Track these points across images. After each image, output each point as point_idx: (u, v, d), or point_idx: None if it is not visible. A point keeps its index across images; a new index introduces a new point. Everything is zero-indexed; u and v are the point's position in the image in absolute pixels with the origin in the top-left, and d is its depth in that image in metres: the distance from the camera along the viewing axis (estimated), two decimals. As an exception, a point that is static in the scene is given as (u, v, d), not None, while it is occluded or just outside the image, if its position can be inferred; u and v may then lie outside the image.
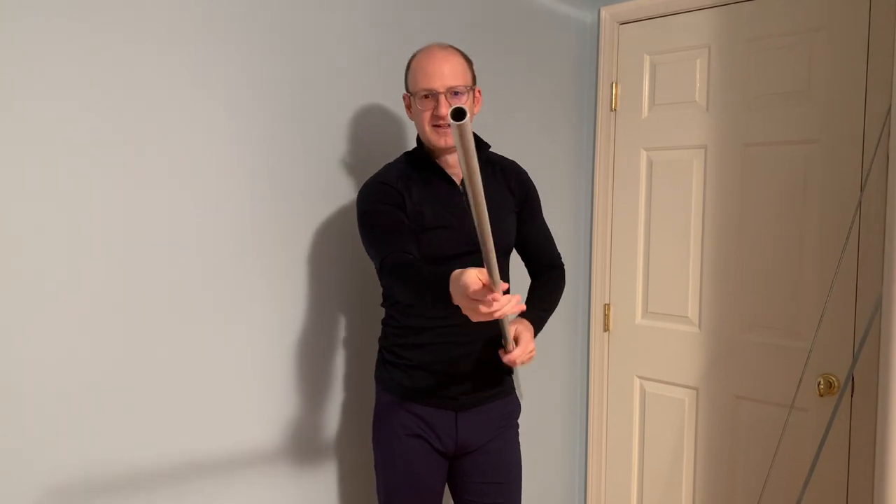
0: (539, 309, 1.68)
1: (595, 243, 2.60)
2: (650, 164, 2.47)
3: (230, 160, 1.63)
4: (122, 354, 1.46)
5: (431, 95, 1.54)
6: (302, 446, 1.81)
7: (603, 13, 2.53)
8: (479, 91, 1.64)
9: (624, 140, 2.53)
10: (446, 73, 1.53)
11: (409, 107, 1.64)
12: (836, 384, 2.03)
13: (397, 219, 1.53)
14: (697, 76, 2.33)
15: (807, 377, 2.06)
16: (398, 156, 1.71)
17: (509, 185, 1.70)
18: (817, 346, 2.04)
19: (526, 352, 1.50)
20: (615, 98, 2.54)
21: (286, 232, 1.75)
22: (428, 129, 1.56)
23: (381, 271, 1.48)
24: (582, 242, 2.61)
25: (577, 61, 2.55)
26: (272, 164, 1.72)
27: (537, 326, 1.61)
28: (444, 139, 1.55)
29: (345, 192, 1.87)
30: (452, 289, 1.23)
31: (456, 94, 1.54)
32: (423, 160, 1.62)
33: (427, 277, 1.34)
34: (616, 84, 2.54)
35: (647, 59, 2.46)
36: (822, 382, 2.04)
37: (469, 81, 1.59)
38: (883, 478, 1.50)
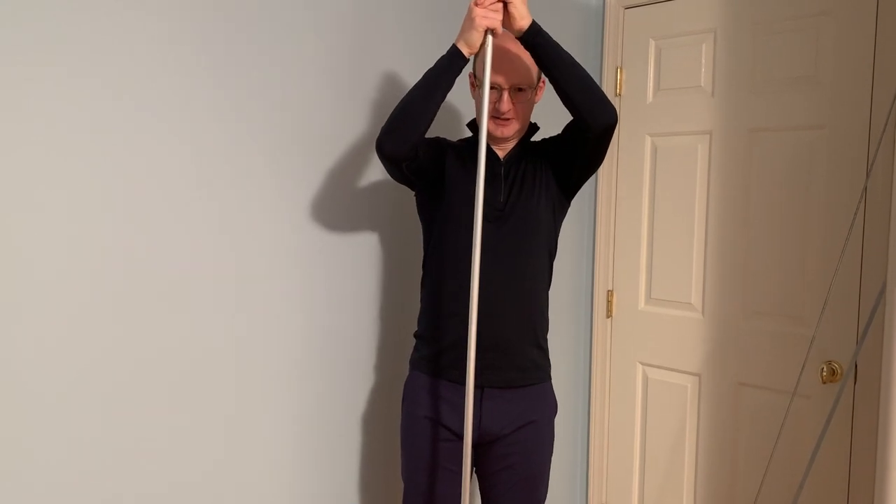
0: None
1: (598, 229, 2.59)
2: (655, 149, 2.45)
3: (261, 141, 1.65)
4: (139, 348, 1.47)
5: (496, 89, 1.59)
6: (332, 428, 1.86)
7: (608, -3, 2.51)
8: (543, 82, 1.69)
9: (628, 125, 2.51)
10: (514, 71, 1.59)
11: (473, 86, 1.70)
12: (839, 371, 2.03)
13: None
14: (703, 61, 2.30)
15: (810, 364, 2.06)
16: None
17: (546, 158, 1.71)
18: (821, 333, 2.03)
19: None
20: (620, 83, 2.52)
21: (319, 218, 1.80)
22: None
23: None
24: (585, 228, 2.60)
25: (582, 46, 2.53)
26: (305, 145, 1.76)
27: (539, 30, 1.49)
28: (501, 130, 1.62)
29: (378, 173, 1.90)
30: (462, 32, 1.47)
31: (520, 90, 1.61)
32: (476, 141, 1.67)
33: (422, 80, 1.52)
34: (621, 69, 2.52)
35: (652, 43, 2.44)
36: (825, 369, 2.03)
37: (534, 80, 1.64)
38: (884, 464, 1.51)
